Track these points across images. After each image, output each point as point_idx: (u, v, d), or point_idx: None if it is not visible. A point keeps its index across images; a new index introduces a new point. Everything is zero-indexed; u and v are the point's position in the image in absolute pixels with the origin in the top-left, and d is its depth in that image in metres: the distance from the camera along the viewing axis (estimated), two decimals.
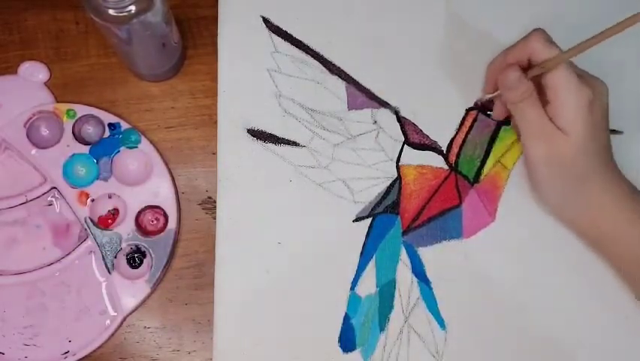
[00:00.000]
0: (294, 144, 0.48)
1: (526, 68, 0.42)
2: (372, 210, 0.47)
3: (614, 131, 0.47)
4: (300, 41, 0.49)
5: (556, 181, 0.43)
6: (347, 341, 0.45)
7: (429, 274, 0.46)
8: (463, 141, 0.48)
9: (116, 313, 0.46)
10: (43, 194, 0.47)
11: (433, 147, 0.48)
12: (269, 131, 0.48)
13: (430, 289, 0.46)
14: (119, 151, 0.47)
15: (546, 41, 0.41)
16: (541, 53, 0.41)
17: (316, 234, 0.46)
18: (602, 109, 0.42)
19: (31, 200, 0.47)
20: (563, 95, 0.40)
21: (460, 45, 0.50)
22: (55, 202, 0.48)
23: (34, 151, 0.47)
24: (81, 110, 0.48)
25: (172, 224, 0.47)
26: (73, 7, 0.50)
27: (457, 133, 0.48)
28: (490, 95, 0.46)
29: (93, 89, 0.49)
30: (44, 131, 0.48)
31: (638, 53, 0.50)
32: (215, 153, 0.48)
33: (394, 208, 0.47)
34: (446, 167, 0.48)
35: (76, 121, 0.48)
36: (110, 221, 0.47)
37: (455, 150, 0.48)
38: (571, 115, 0.40)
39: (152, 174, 0.47)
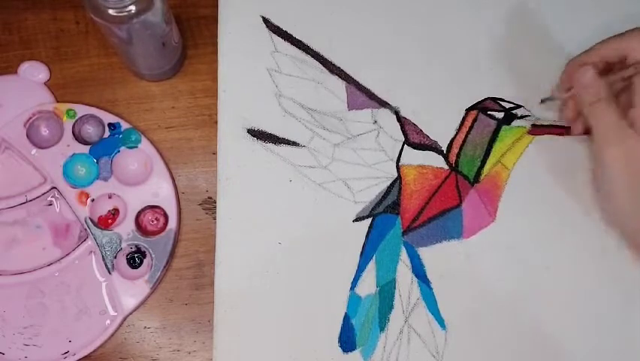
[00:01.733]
0: (294, 144, 0.48)
1: (607, 71, 0.41)
2: (372, 210, 0.47)
3: None
4: (300, 41, 0.49)
5: (632, 188, 0.41)
6: (347, 341, 0.45)
7: (429, 274, 0.46)
8: (464, 141, 0.48)
9: (116, 313, 0.46)
10: (43, 194, 0.47)
11: (433, 147, 0.48)
12: (269, 131, 0.48)
13: (430, 289, 0.46)
14: (119, 151, 0.47)
15: None
16: (636, 50, 0.39)
17: (316, 234, 0.46)
18: None
19: (31, 200, 0.47)
20: None
21: (461, 45, 0.50)
22: (55, 202, 0.48)
23: (34, 151, 0.47)
24: (81, 110, 0.48)
25: (172, 224, 0.47)
26: (73, 7, 0.50)
27: (457, 133, 0.48)
28: (566, 95, 0.45)
29: (93, 89, 0.49)
30: (44, 131, 0.48)
31: None
32: (215, 153, 0.48)
33: (394, 208, 0.47)
34: (446, 167, 0.48)
35: (76, 121, 0.48)
36: (110, 221, 0.47)
37: (455, 150, 0.48)
38: None
39: (152, 174, 0.47)
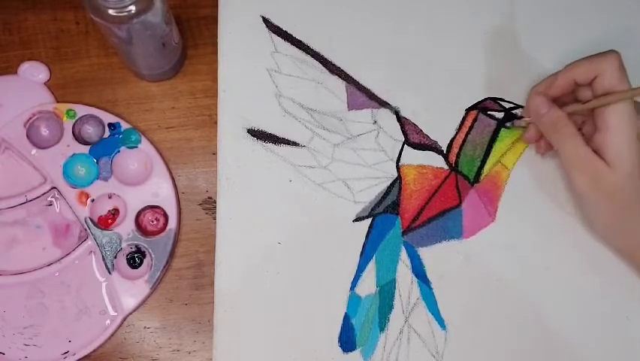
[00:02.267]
0: (294, 144, 0.48)
1: (567, 95, 0.42)
2: (372, 210, 0.47)
3: None
4: (300, 41, 0.49)
5: (603, 210, 0.42)
6: (347, 341, 0.45)
7: (429, 274, 0.46)
8: (464, 141, 0.48)
9: (116, 313, 0.46)
10: (43, 194, 0.47)
11: (433, 147, 0.48)
12: (269, 131, 0.48)
13: (430, 289, 0.46)
14: (119, 151, 0.47)
15: (620, 67, 0.40)
16: (610, 78, 0.40)
17: (316, 234, 0.46)
18: None
19: (31, 200, 0.47)
20: (615, 129, 0.40)
21: (462, 45, 0.50)
22: (55, 202, 0.48)
23: (34, 151, 0.47)
24: (81, 110, 0.48)
25: (172, 224, 0.47)
26: (74, 7, 0.50)
27: (457, 133, 0.48)
28: (526, 120, 0.46)
29: (93, 89, 0.49)
30: (44, 131, 0.48)
31: None
32: (215, 153, 0.48)
33: (394, 208, 0.47)
34: (446, 167, 0.48)
35: (76, 121, 0.48)
36: (110, 221, 0.47)
37: (455, 150, 0.48)
38: (621, 149, 0.40)
39: (152, 174, 0.47)
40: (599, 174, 0.40)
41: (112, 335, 0.46)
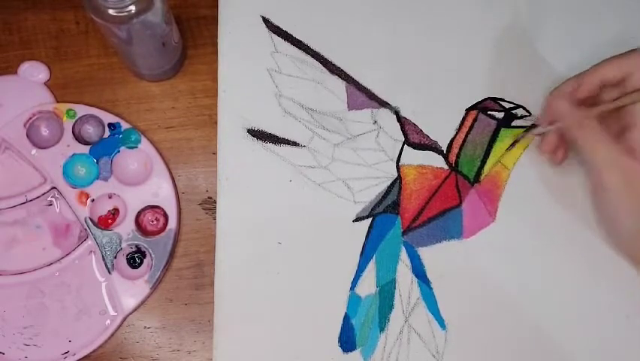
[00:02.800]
0: (294, 144, 0.48)
1: (591, 98, 0.40)
2: (372, 210, 0.47)
3: None
4: (300, 41, 0.49)
5: (636, 210, 0.40)
6: (347, 341, 0.45)
7: (429, 274, 0.46)
8: (464, 141, 0.48)
9: (116, 313, 0.46)
10: (43, 194, 0.47)
11: (433, 147, 0.48)
12: (269, 131, 0.48)
13: (430, 289, 0.46)
14: (119, 151, 0.47)
15: None
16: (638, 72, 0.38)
17: (316, 234, 0.46)
18: None
19: (31, 200, 0.47)
20: None
21: (462, 45, 0.50)
22: (55, 202, 0.48)
23: (34, 151, 0.47)
24: (81, 110, 0.48)
25: (172, 224, 0.47)
26: (74, 7, 0.50)
27: (457, 133, 0.48)
28: (549, 128, 0.44)
29: (93, 89, 0.49)
30: (44, 131, 0.48)
31: None
32: (215, 153, 0.48)
33: (394, 208, 0.47)
34: (446, 167, 0.48)
35: (76, 121, 0.48)
36: (110, 221, 0.47)
37: (455, 150, 0.48)
38: None
39: (152, 174, 0.47)
40: (632, 174, 0.38)
41: (112, 335, 0.46)
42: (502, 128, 0.48)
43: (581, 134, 0.40)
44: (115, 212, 0.47)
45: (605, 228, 0.44)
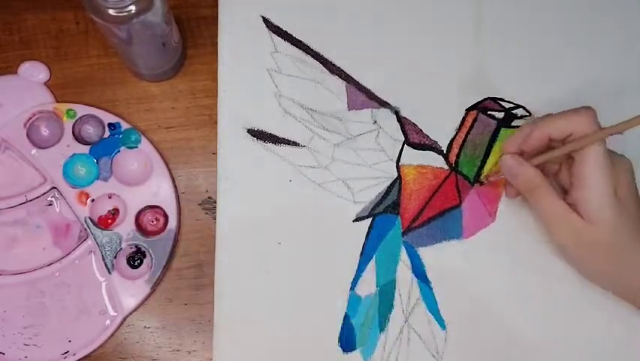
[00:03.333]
0: (294, 144, 0.48)
1: (542, 150, 0.41)
2: (372, 210, 0.47)
3: None
4: (300, 41, 0.49)
5: (588, 261, 0.42)
6: (347, 341, 0.45)
7: (429, 274, 0.46)
8: (464, 141, 0.48)
9: (116, 313, 0.46)
10: (43, 194, 0.47)
11: (433, 147, 0.48)
12: (269, 131, 0.48)
13: (430, 289, 0.46)
14: (119, 151, 0.47)
15: (595, 123, 0.39)
16: (584, 131, 0.39)
17: (316, 234, 0.46)
18: (629, 189, 0.41)
19: (31, 200, 0.47)
20: (592, 186, 0.39)
21: (462, 44, 0.50)
22: (55, 202, 0.48)
23: (34, 151, 0.47)
24: (81, 110, 0.48)
25: (172, 224, 0.47)
26: (74, 7, 0.50)
27: (457, 133, 0.48)
28: (497, 177, 0.45)
29: (93, 89, 0.49)
30: (44, 131, 0.48)
31: None
32: (215, 153, 0.48)
33: (394, 208, 0.47)
34: (446, 167, 0.48)
35: (76, 121, 0.48)
36: (110, 221, 0.47)
37: (455, 150, 0.48)
38: (600, 207, 0.39)
39: (152, 174, 0.47)
40: (578, 231, 0.40)
41: (112, 335, 0.46)
42: (502, 128, 0.48)
43: (528, 191, 0.42)
44: (115, 212, 0.47)
45: (564, 259, 0.45)
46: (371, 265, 0.46)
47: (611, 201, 0.39)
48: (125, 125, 0.48)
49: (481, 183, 0.47)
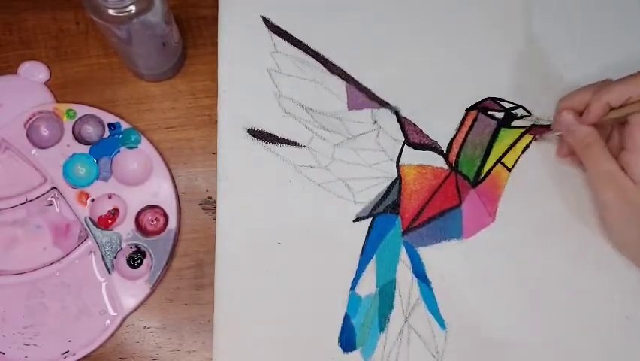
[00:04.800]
0: (294, 144, 0.48)
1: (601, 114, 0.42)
2: (372, 210, 0.47)
3: None
4: (300, 41, 0.49)
5: (628, 226, 0.42)
6: (347, 341, 0.45)
7: (429, 274, 0.46)
8: (464, 141, 0.48)
9: (116, 314, 0.46)
10: (43, 194, 0.47)
11: (433, 147, 0.48)
12: (269, 131, 0.48)
13: (430, 289, 0.46)
14: (119, 151, 0.47)
15: None
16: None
17: (316, 234, 0.46)
18: None
19: (31, 200, 0.47)
20: (639, 143, 0.40)
21: (462, 44, 0.50)
22: (55, 202, 0.48)
23: (34, 151, 0.47)
24: (81, 110, 0.48)
25: (172, 224, 0.47)
26: (74, 7, 0.50)
27: (457, 133, 0.48)
28: (556, 134, 0.46)
29: (93, 89, 0.49)
30: (44, 131, 0.48)
31: None
32: (215, 153, 0.48)
33: (394, 208, 0.47)
34: (446, 167, 0.48)
35: (76, 121, 0.48)
36: (110, 221, 0.47)
37: (455, 150, 0.48)
38: None
39: (152, 174, 0.47)
40: (626, 192, 0.41)
41: (112, 335, 0.46)
42: (502, 129, 0.48)
43: (583, 148, 0.42)
44: (115, 212, 0.47)
45: (608, 236, 0.46)
46: (371, 265, 0.46)
47: None
48: (125, 125, 0.48)
49: (535, 139, 0.47)
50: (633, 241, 0.43)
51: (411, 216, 0.47)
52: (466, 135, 0.48)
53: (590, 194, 0.46)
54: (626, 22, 0.50)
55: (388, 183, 0.47)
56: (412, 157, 0.48)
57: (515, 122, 0.48)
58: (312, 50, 0.49)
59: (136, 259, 0.46)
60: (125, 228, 0.46)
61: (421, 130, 0.48)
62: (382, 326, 0.45)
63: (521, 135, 0.48)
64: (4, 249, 0.47)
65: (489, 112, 0.48)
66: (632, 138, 0.41)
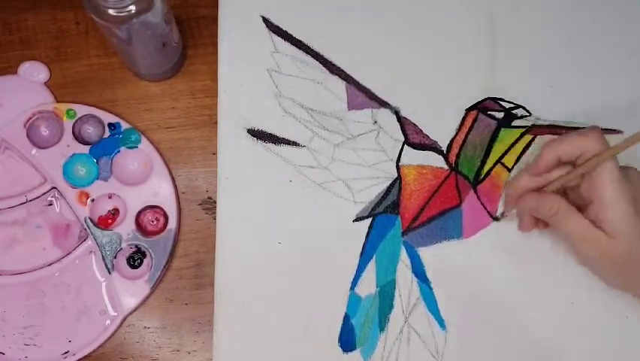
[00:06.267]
0: (294, 144, 0.48)
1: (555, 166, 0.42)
2: (372, 210, 0.47)
3: (612, 131, 0.47)
4: (300, 41, 0.49)
5: (613, 274, 0.43)
6: (347, 341, 0.45)
7: (429, 274, 0.46)
8: (464, 141, 0.48)
9: (116, 313, 0.46)
10: (43, 194, 0.47)
11: (433, 147, 0.48)
12: (269, 131, 0.48)
13: (430, 289, 0.46)
14: (119, 151, 0.47)
15: (604, 142, 0.40)
16: (594, 151, 0.40)
17: (316, 234, 0.46)
18: None
19: (31, 200, 0.47)
20: (609, 203, 0.40)
21: (462, 44, 0.50)
22: (55, 202, 0.48)
23: (34, 151, 0.47)
24: (81, 110, 0.48)
25: (172, 224, 0.47)
26: (74, 7, 0.50)
27: (457, 133, 0.48)
28: (514, 211, 0.46)
29: (93, 89, 0.49)
30: (44, 131, 0.48)
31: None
32: (215, 153, 0.48)
33: (394, 208, 0.47)
34: (446, 167, 0.48)
35: (76, 121, 0.48)
36: (110, 221, 0.47)
37: (455, 150, 0.48)
38: (619, 222, 0.40)
39: (152, 174, 0.47)
40: (603, 245, 0.41)
41: (112, 335, 0.46)
42: (502, 129, 0.48)
43: (553, 216, 0.42)
44: (115, 212, 0.47)
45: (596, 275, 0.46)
46: (371, 265, 0.46)
47: (630, 214, 0.40)
48: (125, 125, 0.48)
49: (498, 220, 0.47)
50: (619, 285, 0.44)
51: (411, 216, 0.47)
52: (466, 135, 0.48)
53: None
54: (631, 24, 0.50)
55: (388, 183, 0.47)
56: (412, 157, 0.48)
57: (515, 122, 0.48)
58: (312, 50, 0.49)
59: (136, 259, 0.46)
60: (125, 228, 0.46)
61: (421, 130, 0.48)
62: (382, 326, 0.45)
63: (521, 135, 0.48)
64: (4, 249, 0.47)
65: (489, 112, 0.48)
66: (596, 192, 0.40)
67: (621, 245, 0.40)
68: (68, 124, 0.47)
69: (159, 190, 0.47)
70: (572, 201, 0.42)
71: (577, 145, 0.41)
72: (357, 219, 0.47)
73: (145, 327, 0.46)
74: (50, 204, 0.48)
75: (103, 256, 0.46)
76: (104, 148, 0.47)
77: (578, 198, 0.42)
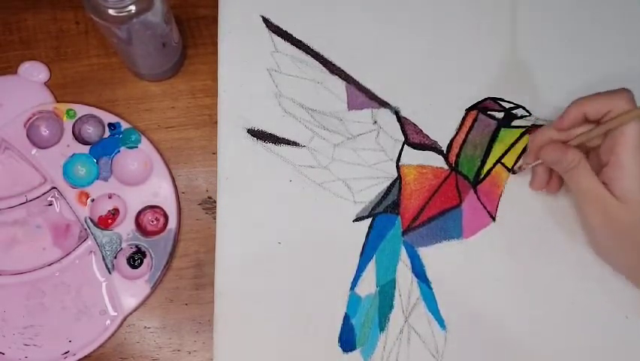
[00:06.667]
0: (294, 144, 0.48)
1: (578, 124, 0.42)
2: (372, 210, 0.47)
3: None
4: (300, 41, 0.49)
5: (614, 246, 0.42)
6: (347, 341, 0.45)
7: (429, 274, 0.46)
8: (464, 141, 0.48)
9: (116, 313, 0.46)
10: (43, 194, 0.47)
11: (433, 147, 0.48)
12: (269, 131, 0.48)
13: (430, 289, 0.46)
14: (119, 151, 0.47)
15: (632, 103, 0.40)
16: (621, 110, 0.40)
17: (316, 234, 0.46)
18: None
19: (31, 200, 0.47)
20: (626, 166, 0.39)
21: (462, 44, 0.50)
22: (55, 202, 0.48)
23: (34, 151, 0.47)
24: (81, 110, 0.48)
25: (172, 224, 0.47)
26: (74, 7, 0.50)
27: (457, 133, 0.48)
28: (533, 164, 0.45)
29: (93, 89, 0.49)
30: (44, 131, 0.48)
31: None
32: (215, 153, 0.48)
33: (394, 208, 0.47)
34: (446, 167, 0.48)
35: (76, 121, 0.48)
36: (110, 221, 0.47)
37: (455, 150, 0.48)
38: (630, 184, 0.39)
39: (152, 174, 0.47)
40: (612, 210, 0.40)
41: (112, 335, 0.46)
42: (502, 128, 0.48)
43: (569, 171, 0.42)
44: (115, 212, 0.47)
45: (591, 245, 0.46)
46: (371, 265, 0.46)
47: None
48: (125, 125, 0.48)
49: (515, 172, 0.47)
50: (623, 263, 0.44)
51: (411, 216, 0.47)
52: (466, 135, 0.48)
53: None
54: (625, 19, 0.50)
55: (388, 183, 0.47)
56: (412, 157, 0.48)
57: (515, 122, 0.48)
58: (312, 50, 0.49)
59: (136, 259, 0.46)
60: (125, 228, 0.46)
61: (421, 130, 0.48)
62: (382, 325, 0.45)
63: (521, 135, 0.48)
64: (4, 249, 0.47)
65: (489, 112, 0.48)
66: (614, 153, 0.40)
67: (629, 212, 0.39)
68: (68, 124, 0.47)
69: (159, 190, 0.47)
70: (590, 165, 0.42)
71: (604, 102, 0.40)
72: (357, 219, 0.47)
73: (145, 327, 0.46)
74: (50, 204, 0.48)
75: (103, 256, 0.46)
76: (104, 148, 0.47)
77: (595, 163, 0.42)
